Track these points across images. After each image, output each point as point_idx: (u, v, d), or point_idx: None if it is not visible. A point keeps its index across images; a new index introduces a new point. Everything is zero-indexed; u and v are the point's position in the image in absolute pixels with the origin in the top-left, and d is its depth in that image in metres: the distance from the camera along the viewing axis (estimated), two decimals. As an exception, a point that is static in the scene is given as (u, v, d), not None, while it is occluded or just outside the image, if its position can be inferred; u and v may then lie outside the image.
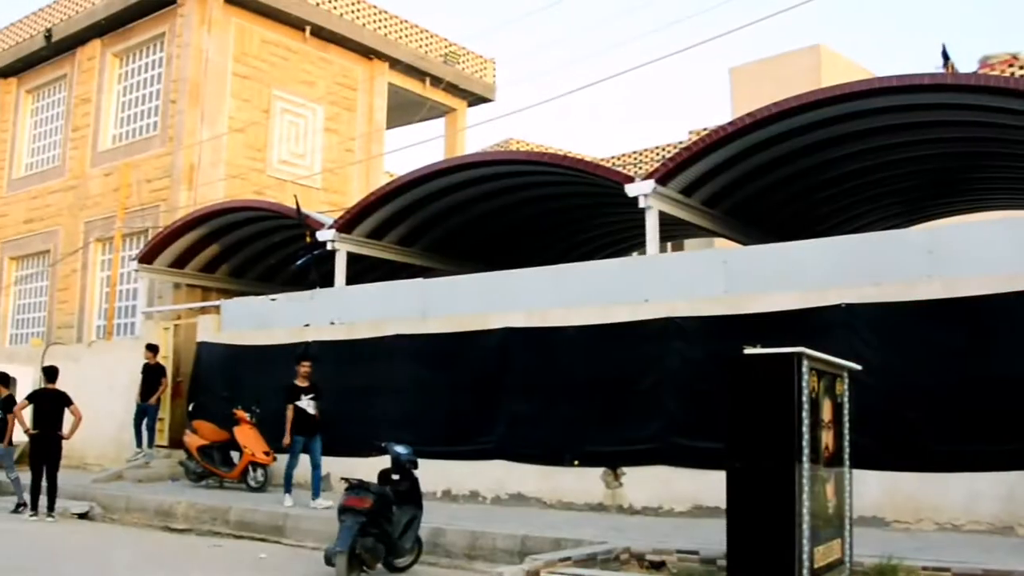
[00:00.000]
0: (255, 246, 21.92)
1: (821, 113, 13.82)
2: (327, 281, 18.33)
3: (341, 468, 13.50)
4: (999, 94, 12.43)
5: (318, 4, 25.58)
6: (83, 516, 15.02)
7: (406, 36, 28.36)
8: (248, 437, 16.51)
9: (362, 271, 19.61)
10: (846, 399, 8.20)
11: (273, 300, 18.51)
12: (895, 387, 11.11)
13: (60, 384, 15.09)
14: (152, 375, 18.73)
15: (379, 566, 9.56)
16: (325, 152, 25.90)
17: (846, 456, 8.18)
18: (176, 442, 18.76)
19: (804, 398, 7.09)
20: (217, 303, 20.14)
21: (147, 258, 21.26)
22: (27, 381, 21.02)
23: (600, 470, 13.44)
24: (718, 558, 8.72)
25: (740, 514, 7.22)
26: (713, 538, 8.95)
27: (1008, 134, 14.25)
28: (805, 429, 7.07)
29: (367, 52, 27.13)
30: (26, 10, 38.04)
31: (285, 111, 25.13)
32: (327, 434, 14.72)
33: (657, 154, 27.49)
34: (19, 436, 15.75)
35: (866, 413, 9.35)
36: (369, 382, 15.68)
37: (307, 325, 17.42)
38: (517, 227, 20.28)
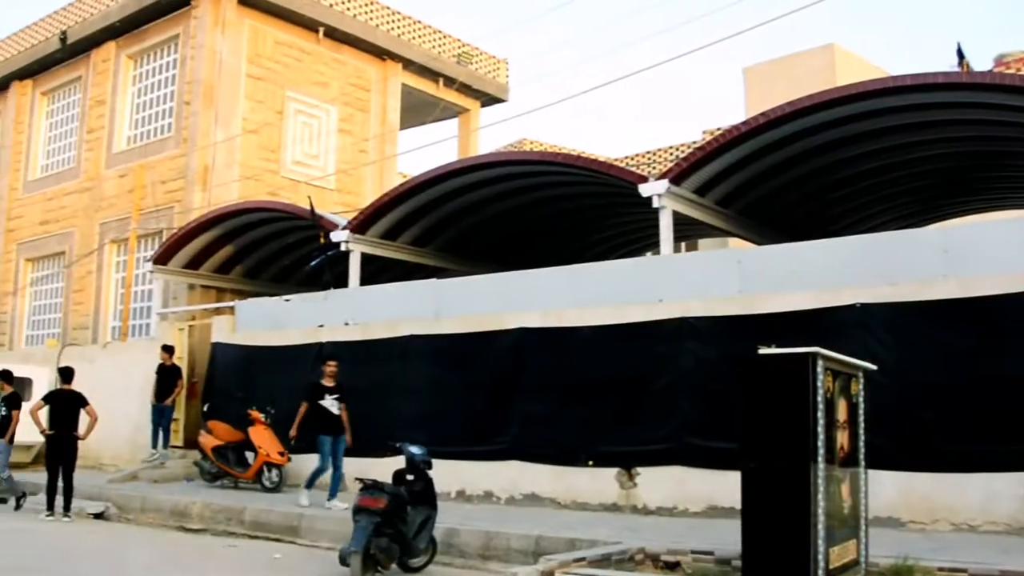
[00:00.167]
0: (269, 247, 21.98)
1: (835, 112, 13.79)
2: (341, 282, 18.36)
3: (355, 468, 13.49)
4: (1015, 93, 12.38)
5: (331, 5, 25.63)
6: (99, 516, 15.07)
7: (419, 37, 28.39)
8: (263, 438, 16.54)
9: (376, 272, 19.63)
10: (861, 399, 8.17)
11: (287, 301, 18.55)
12: (910, 387, 11.08)
13: (76, 385, 15.14)
14: (167, 376, 18.80)
15: (393, 566, 9.56)
16: (339, 153, 25.94)
17: (861, 456, 8.15)
18: (191, 442, 18.82)
19: (819, 398, 7.07)
20: (231, 304, 20.20)
21: (162, 259, 21.33)
22: (43, 382, 21.15)
23: (614, 470, 13.43)
24: (733, 559, 8.70)
25: (755, 514, 7.21)
26: (728, 538, 8.93)
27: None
28: (820, 429, 7.05)
29: (380, 53, 27.17)
30: (41, 13, 38.14)
31: (299, 112, 25.18)
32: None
33: (671, 154, 27.46)
34: (35, 437, 15.82)
35: (881, 413, 9.33)
36: (383, 382, 15.68)
37: (321, 326, 17.45)
38: (531, 227, 20.28)
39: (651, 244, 20.78)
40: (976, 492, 10.78)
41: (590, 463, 13.65)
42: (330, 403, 14.25)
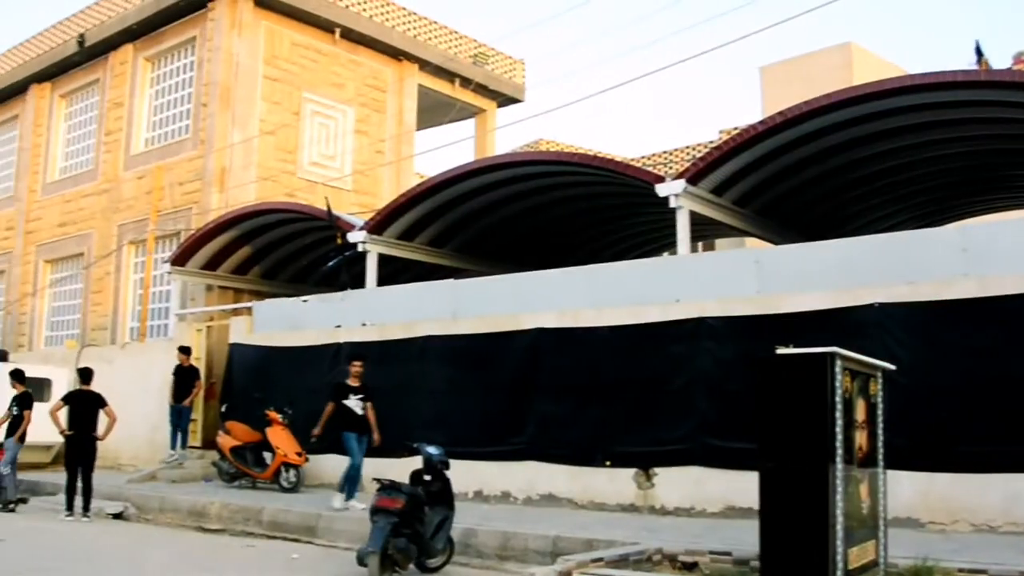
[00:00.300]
0: (286, 248, 22.04)
1: (852, 111, 13.74)
2: (358, 282, 18.40)
3: (373, 469, 13.50)
4: (1033, 90, 12.32)
5: (347, 6, 25.69)
6: (118, 516, 15.14)
7: (435, 37, 28.42)
8: (281, 438, 16.57)
9: (393, 272, 19.65)
10: (880, 399, 8.13)
11: (305, 302, 18.59)
12: (929, 387, 11.02)
13: (94, 386, 15.20)
14: (185, 377, 18.86)
15: (411, 567, 9.57)
16: (355, 154, 25.98)
17: (880, 456, 8.11)
18: (209, 443, 18.88)
19: (837, 398, 7.03)
20: (249, 305, 20.27)
21: (180, 260, 21.42)
22: (62, 383, 21.25)
23: (632, 470, 13.42)
24: (751, 559, 8.68)
25: (773, 515, 7.18)
26: (746, 539, 8.91)
27: (1043, 131, 14.13)
28: (838, 429, 7.02)
29: (396, 54, 27.22)
30: (59, 16, 38.35)
31: (315, 113, 25.25)
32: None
33: (687, 154, 27.44)
34: (55, 437, 15.90)
35: (900, 413, 9.28)
36: (400, 383, 15.68)
37: (339, 326, 17.48)
38: (547, 228, 20.27)
39: (668, 244, 20.74)
40: (996, 493, 10.72)
41: (607, 463, 13.64)
42: (355, 403, 14.21)
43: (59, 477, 15.79)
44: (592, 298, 14.36)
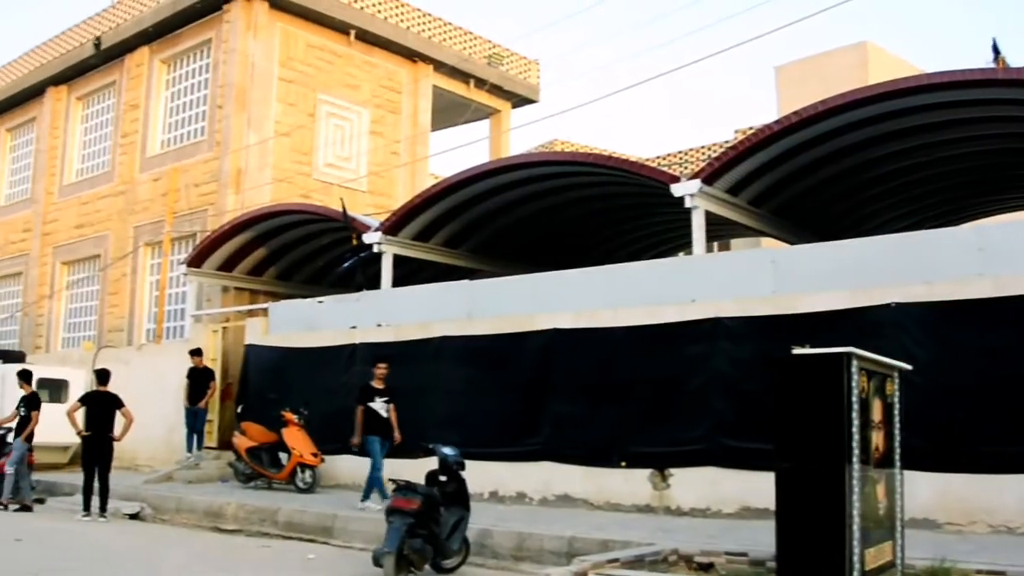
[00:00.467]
0: (302, 249, 22.09)
1: (868, 110, 13.70)
2: (374, 283, 18.42)
3: (389, 469, 13.54)
4: (1051, 88, 12.25)
5: (362, 8, 25.73)
6: (134, 517, 15.19)
7: (450, 38, 28.45)
8: (296, 439, 16.59)
9: (409, 273, 19.67)
10: (897, 399, 8.10)
11: (320, 303, 18.62)
12: (946, 387, 10.96)
13: (111, 387, 15.25)
14: (199, 379, 18.92)
15: (427, 567, 9.57)
16: (371, 155, 26.03)
17: (897, 457, 8.08)
18: (225, 444, 18.93)
19: (854, 398, 7.00)
20: (265, 306, 20.32)
21: (195, 262, 21.50)
22: (79, 384, 21.35)
23: (647, 471, 13.39)
24: (767, 560, 8.66)
25: (789, 516, 7.15)
26: (762, 540, 8.88)
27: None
28: (855, 430, 6.99)
29: (411, 55, 27.26)
30: (76, 19, 38.53)
31: (330, 115, 25.30)
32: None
33: (703, 154, 27.39)
34: (71, 438, 15.95)
35: (916, 414, 9.23)
36: (416, 383, 15.65)
37: (354, 327, 17.50)
38: (562, 228, 20.27)
39: (683, 244, 20.71)
40: (1014, 493, 10.65)
41: (623, 464, 13.62)
42: (379, 405, 14.24)
43: (76, 478, 15.84)
44: (608, 298, 14.33)
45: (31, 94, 30.96)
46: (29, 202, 30.51)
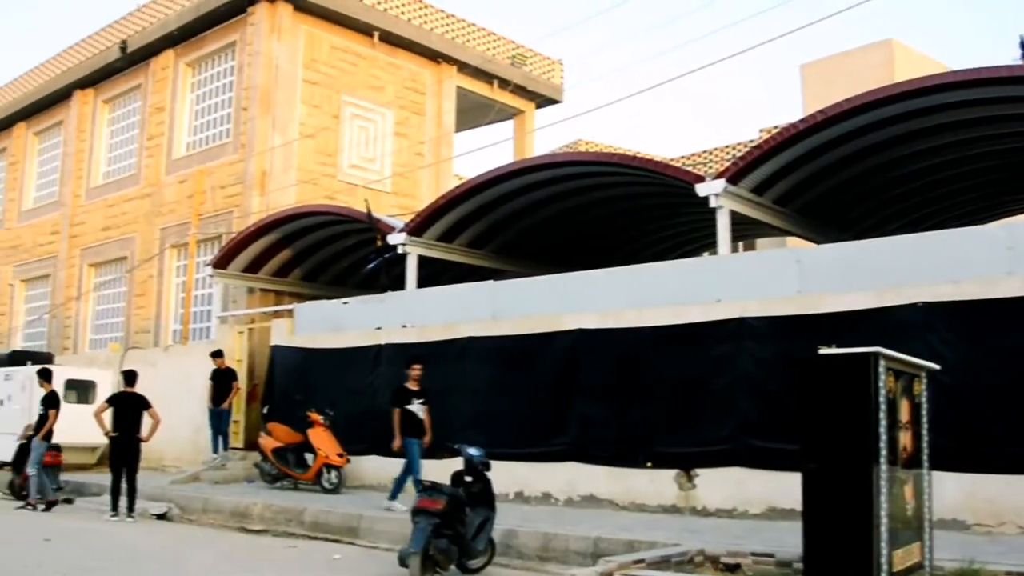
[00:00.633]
0: (327, 250, 22.16)
1: (894, 109, 13.61)
2: (399, 284, 18.45)
3: (413, 470, 13.58)
4: (1080, 86, 12.14)
5: (386, 9, 25.79)
6: (161, 517, 15.26)
7: (473, 39, 28.47)
8: (322, 439, 16.64)
9: (433, 274, 19.70)
10: (924, 399, 8.04)
11: (345, 304, 18.67)
12: (974, 387, 10.88)
13: (138, 388, 15.33)
14: (222, 380, 19.02)
15: (452, 567, 9.57)
16: (395, 156, 26.09)
17: (925, 457, 8.02)
18: (251, 444, 19.02)
19: (881, 399, 6.97)
20: (290, 307, 20.38)
21: (221, 263, 21.60)
22: (106, 385, 21.50)
23: (673, 471, 13.35)
24: (794, 561, 8.62)
25: (816, 516, 7.12)
26: (788, 541, 8.84)
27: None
28: (882, 430, 6.95)
29: (435, 56, 27.30)
30: (102, 23, 38.83)
31: (355, 116, 25.37)
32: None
33: (727, 153, 27.31)
34: (99, 439, 16.03)
35: (944, 414, 9.17)
36: (441, 384, 15.64)
37: (379, 328, 17.53)
38: (587, 228, 20.24)
39: (708, 244, 20.65)
40: (1043, 494, 10.57)
41: (648, 464, 13.58)
42: (416, 407, 14.15)
43: (104, 478, 15.94)
44: (633, 298, 14.30)
45: (58, 98, 31.22)
46: (57, 205, 30.76)
